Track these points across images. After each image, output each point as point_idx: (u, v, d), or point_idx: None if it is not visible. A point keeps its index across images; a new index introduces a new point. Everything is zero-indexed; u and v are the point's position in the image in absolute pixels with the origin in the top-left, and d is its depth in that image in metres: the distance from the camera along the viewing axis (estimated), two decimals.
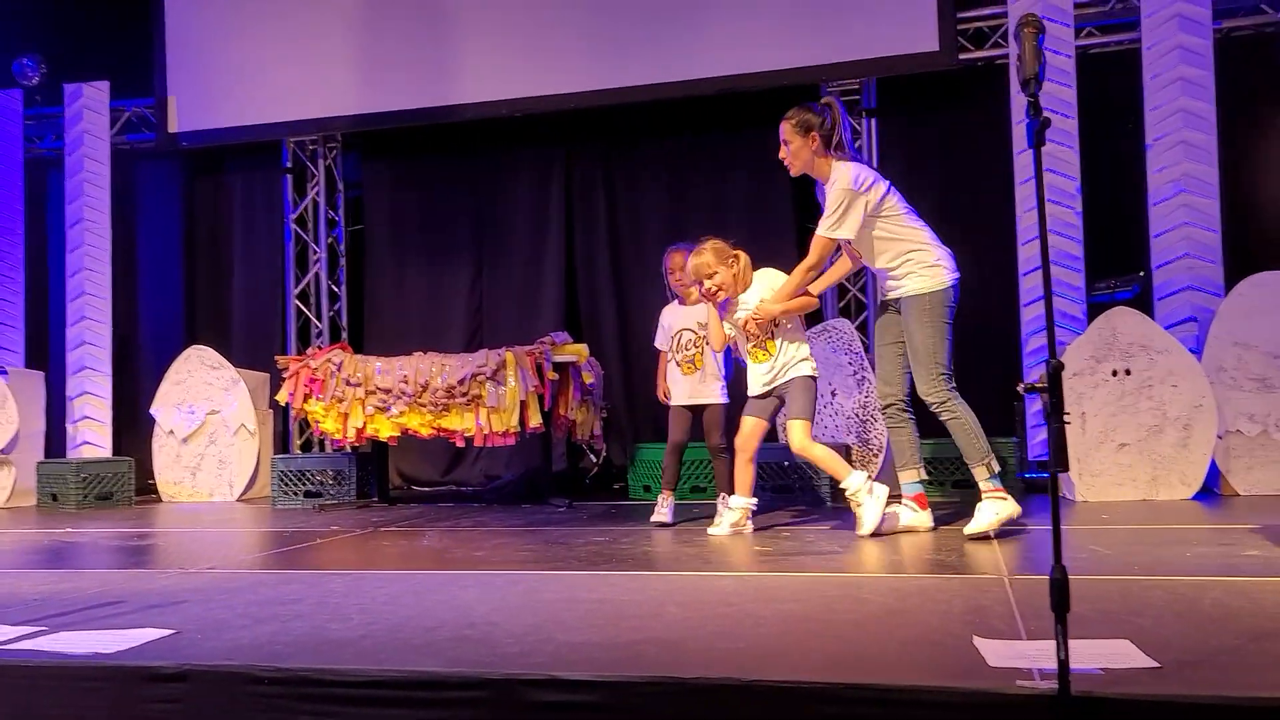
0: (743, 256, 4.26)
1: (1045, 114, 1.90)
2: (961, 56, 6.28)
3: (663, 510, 4.67)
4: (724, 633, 2.42)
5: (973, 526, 3.86)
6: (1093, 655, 2.01)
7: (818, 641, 2.29)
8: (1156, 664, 1.97)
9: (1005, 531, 4.01)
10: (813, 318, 6.37)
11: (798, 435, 4.11)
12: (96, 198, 7.45)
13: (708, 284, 4.22)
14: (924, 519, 4.09)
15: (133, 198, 7.93)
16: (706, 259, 4.20)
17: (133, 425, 7.56)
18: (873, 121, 6.59)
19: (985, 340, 6.38)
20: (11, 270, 7.48)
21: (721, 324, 4.32)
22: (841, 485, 4.07)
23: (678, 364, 4.82)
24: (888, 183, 4.04)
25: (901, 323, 4.06)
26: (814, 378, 4.21)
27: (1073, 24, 5.99)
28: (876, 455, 5.59)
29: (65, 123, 7.52)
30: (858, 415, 5.66)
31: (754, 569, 3.39)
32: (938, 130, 6.65)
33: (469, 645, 2.37)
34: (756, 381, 4.24)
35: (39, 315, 7.71)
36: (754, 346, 4.24)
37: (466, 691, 2.11)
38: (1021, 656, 2.04)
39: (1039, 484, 5.73)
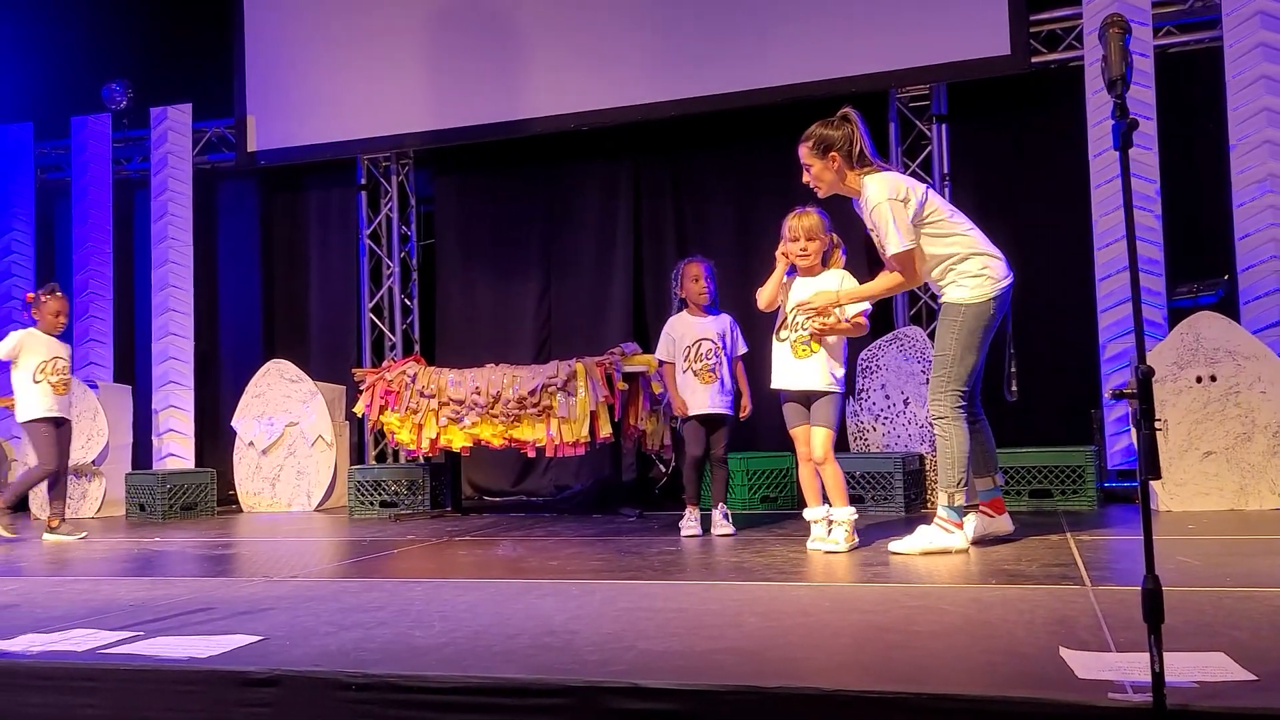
0: (838, 241, 4.13)
1: (1132, 117, 1.87)
2: (1034, 59, 6.19)
3: (691, 523, 4.67)
4: (803, 643, 2.41)
5: (900, 545, 3.80)
6: (1186, 668, 1.96)
7: (899, 652, 2.27)
8: (1254, 677, 1.92)
9: (1086, 541, 3.93)
10: (884, 326, 6.35)
11: (823, 444, 4.00)
12: (180, 217, 7.69)
13: (805, 244, 4.00)
14: (1003, 524, 4.02)
15: (213, 216, 8.16)
16: (817, 221, 4.02)
17: (214, 437, 7.77)
18: (943, 127, 6.52)
19: (1060, 346, 6.28)
20: (101, 288, 7.75)
21: (778, 287, 4.10)
22: (831, 512, 4.01)
23: (695, 373, 4.73)
24: (925, 186, 3.85)
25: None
26: (844, 400, 4.12)
27: (1151, 23, 5.87)
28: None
29: (151, 144, 7.77)
30: (931, 424, 5.58)
31: (829, 579, 3.36)
32: (1010, 135, 6.56)
33: (550, 653, 2.39)
34: (786, 373, 4.04)
35: (126, 331, 7.97)
36: (798, 339, 4.01)
37: (550, 698, 2.13)
38: (1111, 669, 2.00)
39: (1119, 493, 5.60)
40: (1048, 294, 6.42)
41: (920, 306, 6.52)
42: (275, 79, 7.58)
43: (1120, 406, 5.57)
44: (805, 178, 3.91)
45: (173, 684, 2.37)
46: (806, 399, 4.05)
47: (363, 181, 7.71)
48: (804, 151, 3.86)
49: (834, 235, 4.11)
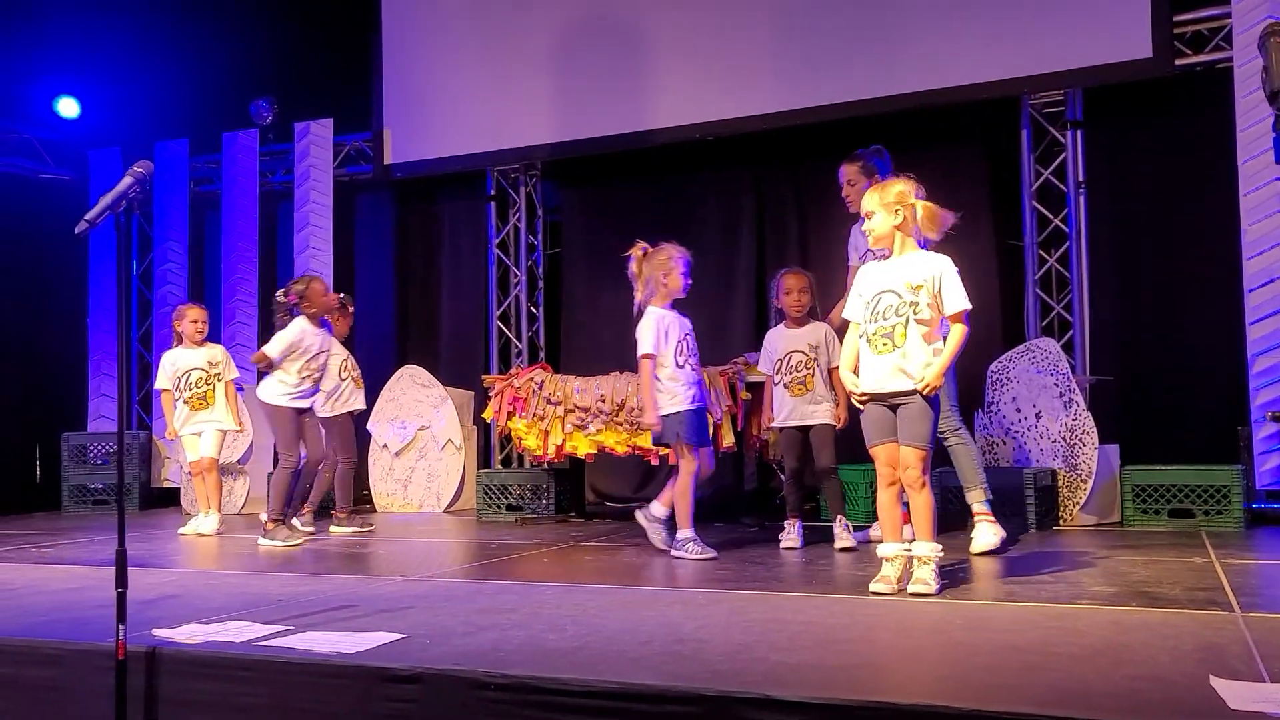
0: (921, 208, 3.48)
1: None
2: (1178, 62, 5.96)
3: (791, 535, 4.65)
4: (938, 660, 2.40)
5: (982, 545, 4.16)
6: None
7: (1038, 674, 2.23)
8: None
9: (1233, 565, 3.77)
10: (1015, 337, 6.20)
11: (918, 465, 3.36)
12: (321, 227, 8.03)
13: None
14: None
15: (351, 226, 8.49)
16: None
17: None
18: (1078, 134, 6.32)
19: (1204, 360, 6.02)
20: (247, 296, 8.15)
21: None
22: (914, 548, 3.39)
23: (785, 386, 4.72)
24: None
25: None
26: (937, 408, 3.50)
27: None
28: (1085, 480, 5.35)
29: (295, 158, 8.14)
30: (1064, 439, 5.43)
31: (961, 597, 3.31)
32: (1149, 141, 6.32)
33: (681, 661, 2.44)
34: (867, 376, 3.44)
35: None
36: (879, 330, 3.43)
37: (683, 706, 2.18)
38: (1267, 700, 1.93)
39: (1269, 515, 5.34)
40: (1190, 305, 6.17)
41: (1053, 318, 6.34)
42: (411, 94, 7.85)
43: (1270, 425, 5.30)
44: (845, 192, 4.52)
45: (324, 677, 2.50)
46: (892, 407, 3.42)
47: (492, 192, 7.92)
48: (851, 170, 4.38)
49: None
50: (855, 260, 4.73)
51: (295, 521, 5.71)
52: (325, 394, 5.91)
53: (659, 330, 4.48)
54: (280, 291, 5.64)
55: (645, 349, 4.48)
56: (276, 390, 5.43)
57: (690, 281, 4.63)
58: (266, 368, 5.44)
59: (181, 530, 5.84)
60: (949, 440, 4.44)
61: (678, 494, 4.43)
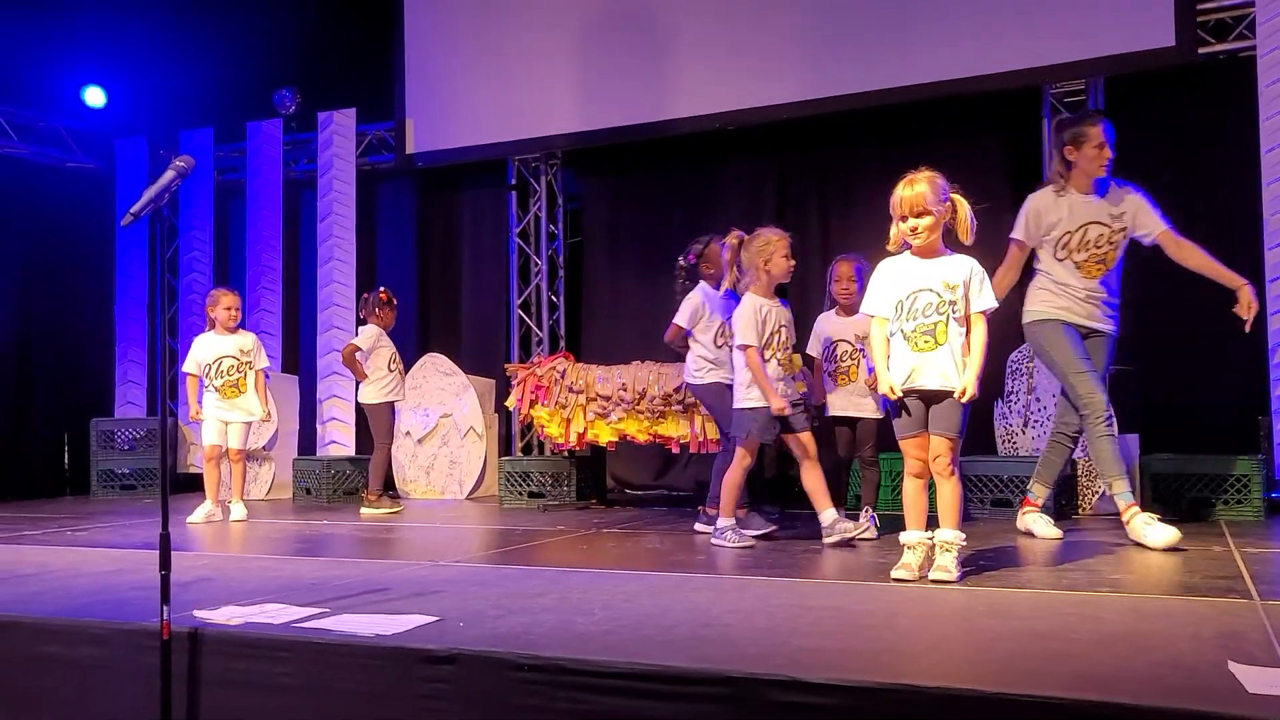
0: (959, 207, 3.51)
1: None
2: (1201, 51, 5.95)
3: (867, 527, 4.48)
4: (961, 645, 2.45)
5: (1158, 541, 3.95)
6: None
7: (1060, 660, 2.28)
8: None
9: (1252, 553, 3.80)
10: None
11: (948, 454, 3.39)
12: (344, 216, 8.10)
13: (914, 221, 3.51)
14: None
15: (374, 215, 8.56)
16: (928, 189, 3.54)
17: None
18: None
19: (1224, 349, 6.01)
20: (271, 284, 8.24)
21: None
22: (937, 535, 3.41)
23: (830, 375, 4.75)
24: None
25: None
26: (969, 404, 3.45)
27: None
28: None
29: (318, 147, 8.21)
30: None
31: (983, 584, 3.36)
32: (1171, 129, 6.30)
33: (709, 644, 2.50)
34: (910, 373, 3.43)
35: (291, 324, 8.44)
36: (920, 328, 3.43)
37: (711, 688, 2.24)
38: None
39: None
40: (1212, 294, 6.15)
41: None
42: (432, 83, 7.90)
43: None
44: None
45: (362, 658, 2.57)
46: (926, 400, 3.46)
47: (513, 181, 7.97)
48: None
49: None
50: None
51: (388, 498, 6.42)
52: (375, 384, 6.44)
53: (756, 320, 4.26)
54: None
55: (744, 340, 4.26)
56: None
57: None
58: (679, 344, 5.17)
59: (190, 520, 5.77)
60: (1098, 430, 4.22)
61: (727, 485, 4.42)
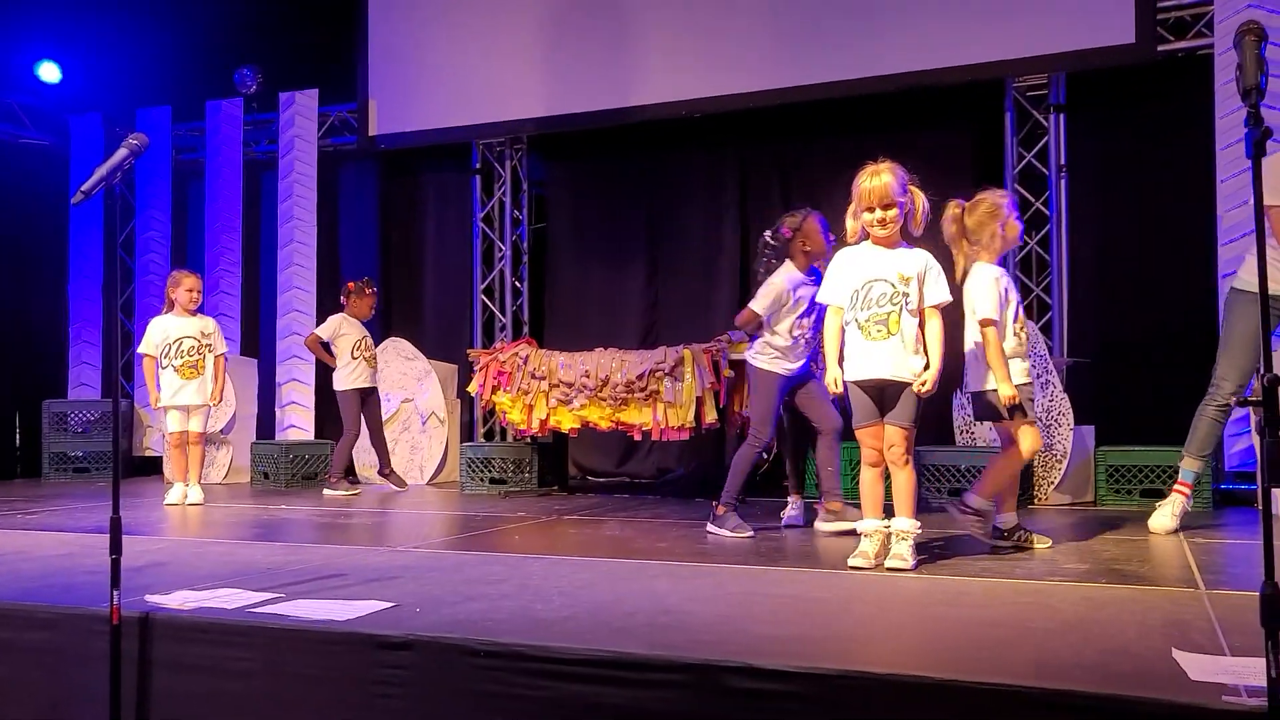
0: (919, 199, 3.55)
1: (1265, 125, 1.87)
2: (1160, 48, 6.03)
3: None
4: (916, 633, 2.48)
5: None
6: None
7: (1012, 647, 2.31)
8: None
9: (1200, 543, 3.88)
10: None
11: (903, 444, 3.46)
12: (305, 198, 8.01)
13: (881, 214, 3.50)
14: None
15: (335, 197, 8.47)
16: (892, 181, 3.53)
17: (334, 410, 8.05)
18: (1061, 118, 6.40)
19: (1177, 341, 6.12)
20: (231, 266, 8.14)
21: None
22: (893, 524, 3.48)
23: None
24: None
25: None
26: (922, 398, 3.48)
27: None
28: (1060, 460, 5.47)
29: (279, 127, 8.11)
30: (1042, 420, 5.53)
31: (937, 573, 3.40)
32: (1131, 125, 6.40)
33: (667, 631, 2.50)
34: (862, 362, 3.50)
35: (251, 306, 8.34)
36: (873, 317, 3.48)
37: (668, 674, 2.24)
38: (1226, 672, 2.02)
39: (1236, 496, 5.47)
40: (1167, 288, 6.27)
41: (1032, 299, 6.43)
42: (396, 64, 7.82)
43: (1239, 409, 5.42)
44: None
45: (316, 644, 2.55)
46: (880, 389, 3.49)
47: (477, 166, 7.92)
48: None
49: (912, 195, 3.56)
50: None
51: (346, 482, 6.54)
52: (339, 371, 6.56)
53: (999, 291, 3.69)
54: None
55: (987, 313, 3.65)
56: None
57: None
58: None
59: (168, 501, 5.83)
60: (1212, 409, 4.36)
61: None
